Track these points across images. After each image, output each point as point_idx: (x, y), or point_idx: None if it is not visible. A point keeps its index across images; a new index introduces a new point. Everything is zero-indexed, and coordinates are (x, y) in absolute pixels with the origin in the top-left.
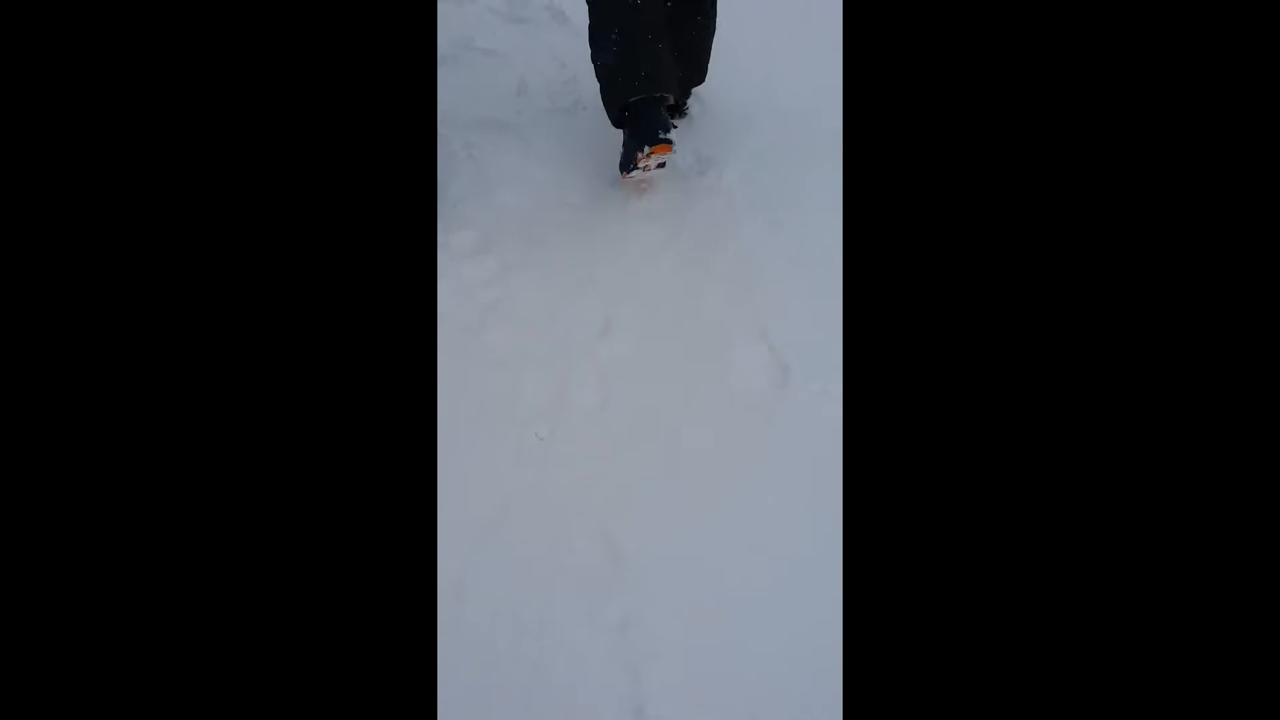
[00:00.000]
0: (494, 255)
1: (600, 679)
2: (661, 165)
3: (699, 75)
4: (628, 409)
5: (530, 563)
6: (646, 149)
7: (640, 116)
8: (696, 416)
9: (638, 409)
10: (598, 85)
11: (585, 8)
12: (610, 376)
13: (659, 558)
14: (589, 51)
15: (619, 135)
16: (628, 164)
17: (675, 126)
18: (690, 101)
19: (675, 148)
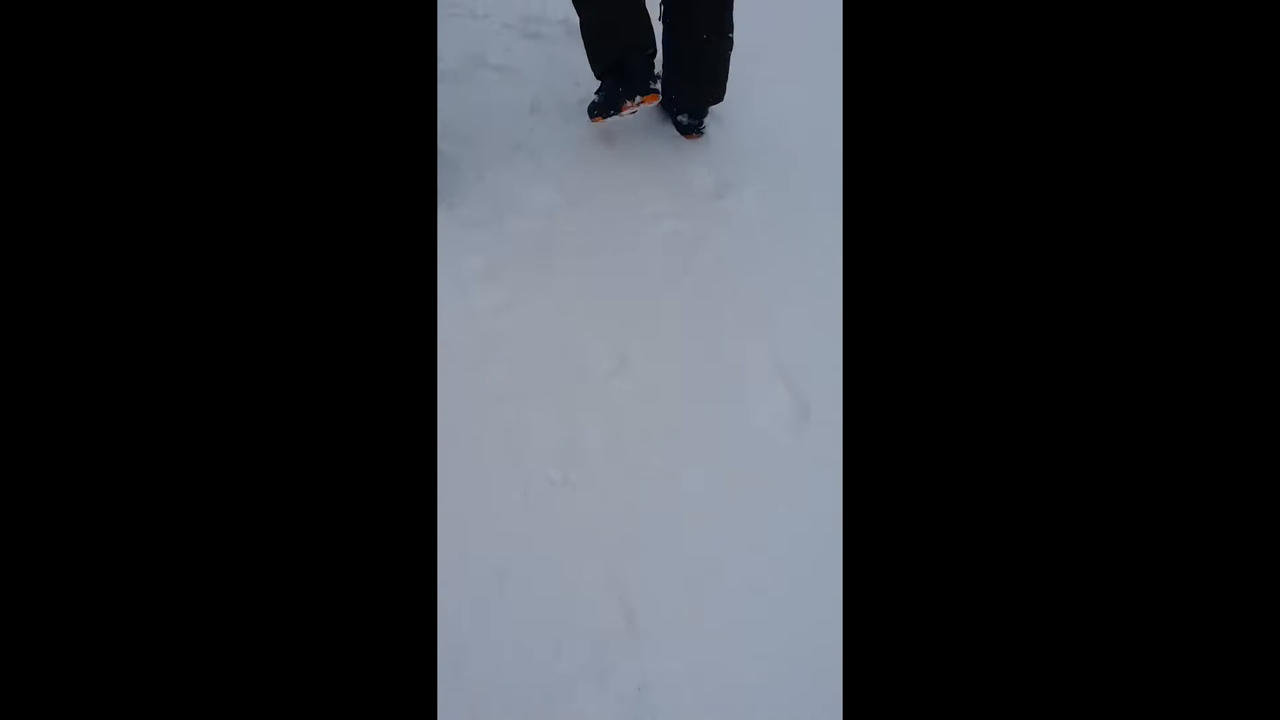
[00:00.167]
0: (502, 283)
1: None
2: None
3: (717, 94)
4: (640, 451)
5: (537, 626)
6: (638, 99)
7: (628, 68)
8: (712, 460)
9: (651, 451)
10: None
11: None
12: (623, 415)
13: (673, 621)
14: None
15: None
16: (607, 108)
17: (658, 75)
18: (708, 120)
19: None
